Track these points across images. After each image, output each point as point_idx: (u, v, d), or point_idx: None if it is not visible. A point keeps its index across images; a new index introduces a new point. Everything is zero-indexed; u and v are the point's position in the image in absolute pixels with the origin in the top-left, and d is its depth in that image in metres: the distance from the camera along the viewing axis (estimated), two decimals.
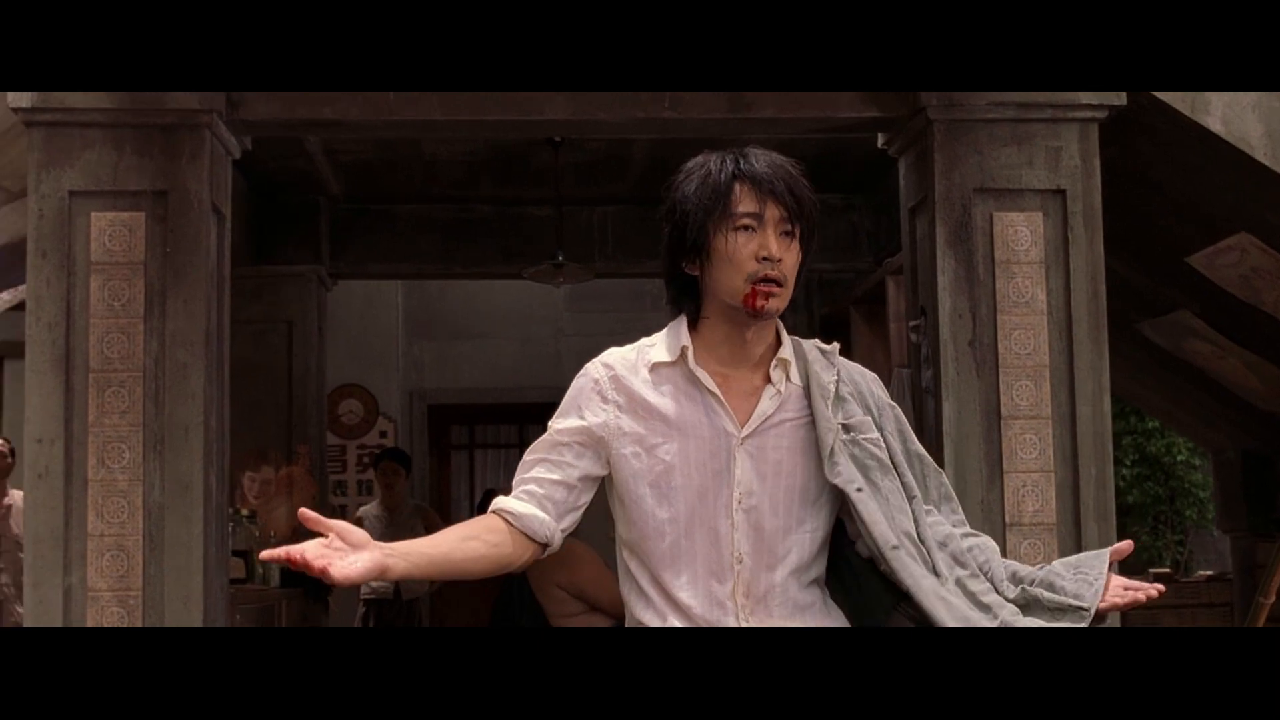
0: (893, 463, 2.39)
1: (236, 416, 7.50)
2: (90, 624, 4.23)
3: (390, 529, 7.74)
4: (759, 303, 2.26)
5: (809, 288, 7.68)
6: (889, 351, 6.02)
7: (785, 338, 2.41)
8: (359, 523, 8.02)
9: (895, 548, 2.26)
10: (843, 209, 7.60)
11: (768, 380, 2.36)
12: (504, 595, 6.25)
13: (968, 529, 2.43)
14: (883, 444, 2.39)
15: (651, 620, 2.32)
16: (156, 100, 4.36)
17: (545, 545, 2.36)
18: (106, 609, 4.24)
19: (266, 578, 6.43)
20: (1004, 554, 4.34)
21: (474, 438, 11.86)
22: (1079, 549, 4.40)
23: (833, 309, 7.29)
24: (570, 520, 2.39)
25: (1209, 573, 8.70)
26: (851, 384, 2.42)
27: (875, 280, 6.13)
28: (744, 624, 2.28)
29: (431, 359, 11.04)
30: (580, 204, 7.54)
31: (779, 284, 2.27)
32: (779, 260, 2.26)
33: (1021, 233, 4.53)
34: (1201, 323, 6.09)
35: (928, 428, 4.68)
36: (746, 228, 2.27)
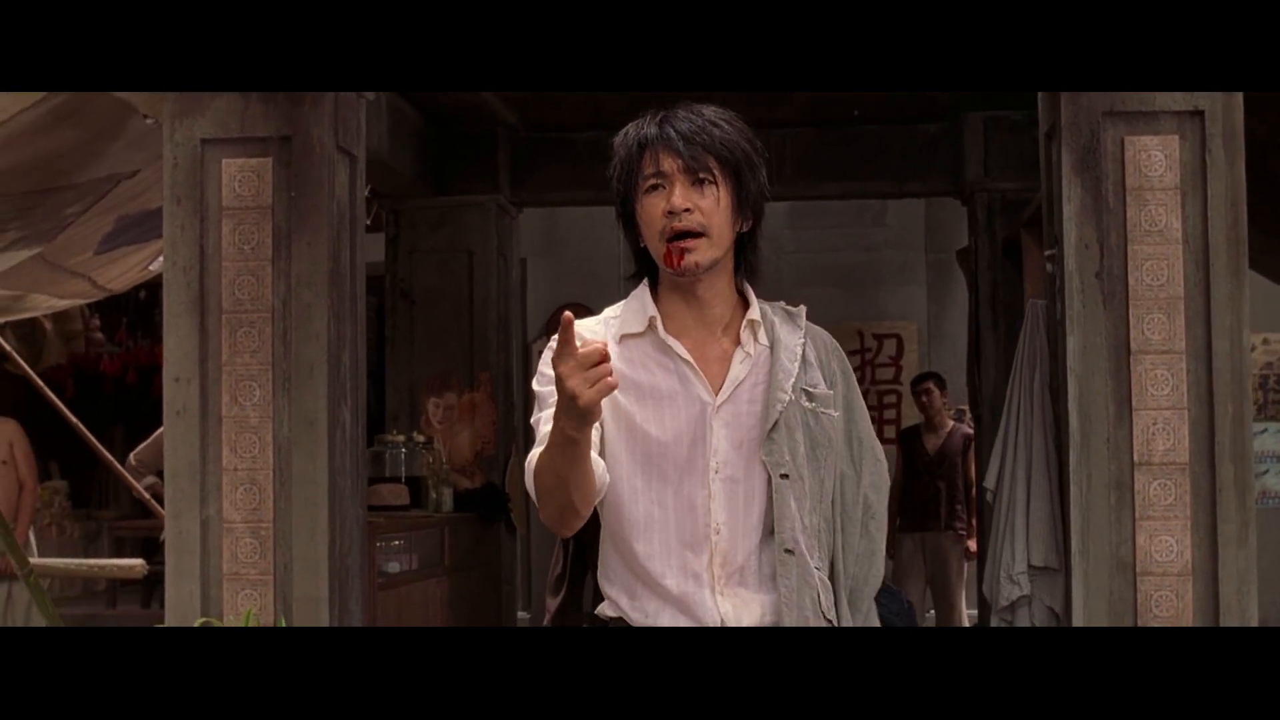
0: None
1: (422, 344, 7.79)
2: (226, 554, 4.45)
3: None
4: (676, 260, 2.24)
5: (990, 210, 7.43)
6: None
7: (753, 299, 2.36)
8: None
9: (789, 551, 2.22)
10: (1026, 125, 7.30)
11: (737, 344, 2.32)
12: None
13: (869, 534, 2.37)
14: (838, 423, 2.33)
15: (618, 595, 2.31)
16: None
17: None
18: (241, 540, 4.46)
19: (439, 504, 6.62)
20: (1132, 495, 4.23)
21: None
22: (1213, 491, 4.21)
23: (1012, 231, 7.05)
24: None
25: None
26: (815, 350, 2.36)
27: (1037, 204, 5.90)
28: (719, 595, 2.26)
29: None
30: (754, 127, 7.40)
31: (695, 234, 2.23)
32: (686, 210, 2.22)
33: (1155, 157, 4.29)
34: None
35: (1060, 362, 4.52)
36: (654, 187, 2.26)
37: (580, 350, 1.98)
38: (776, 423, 2.24)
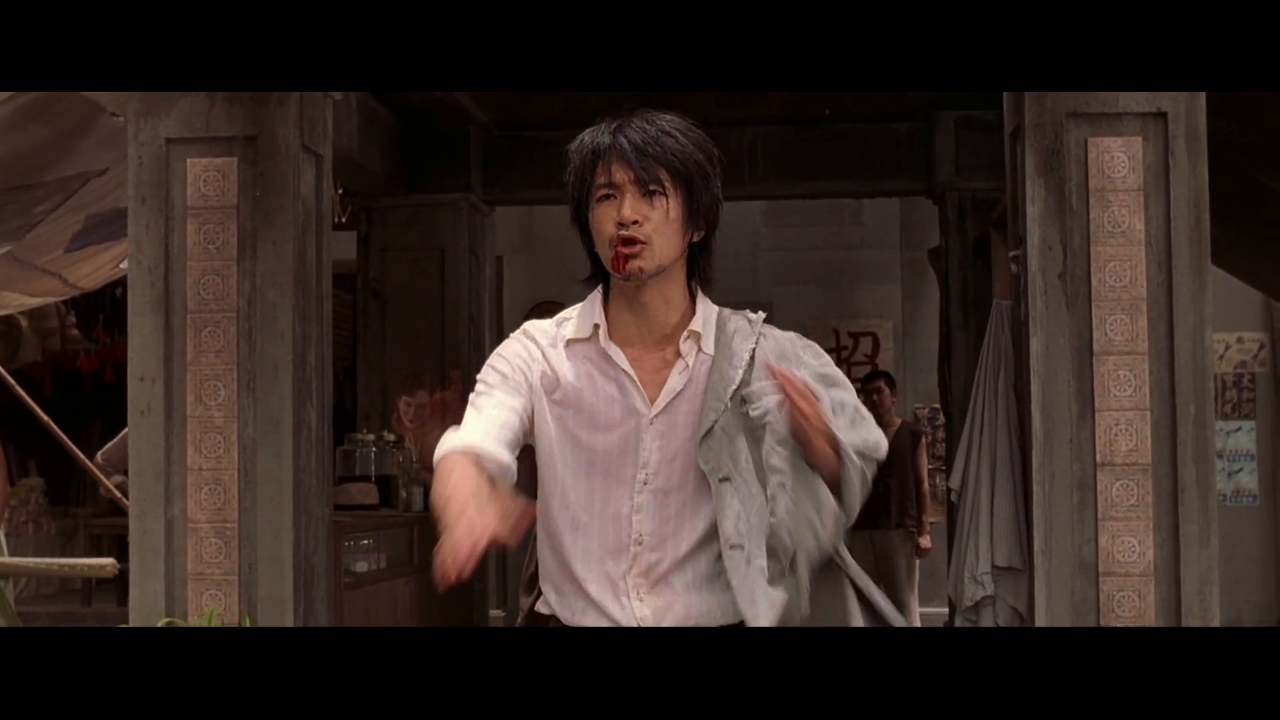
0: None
1: (394, 342, 7.79)
2: (190, 553, 4.45)
3: None
4: (620, 264, 2.26)
5: (961, 209, 7.44)
6: None
7: (700, 308, 2.37)
8: None
9: (734, 547, 2.23)
10: (997, 125, 7.29)
11: (679, 354, 2.34)
12: None
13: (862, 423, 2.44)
14: (782, 426, 2.33)
15: (549, 592, 2.36)
16: None
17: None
18: (205, 540, 4.45)
19: (409, 503, 6.62)
20: (1094, 495, 4.24)
21: None
22: (1175, 491, 4.24)
23: (982, 231, 7.06)
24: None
25: None
26: (779, 355, 2.36)
27: (1005, 204, 5.91)
28: (635, 604, 2.29)
29: None
30: (729, 126, 7.44)
31: (641, 243, 2.24)
32: (634, 222, 2.23)
33: (1118, 159, 4.31)
34: None
35: (1024, 363, 4.53)
36: (606, 197, 2.28)
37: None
38: (710, 430, 2.25)
